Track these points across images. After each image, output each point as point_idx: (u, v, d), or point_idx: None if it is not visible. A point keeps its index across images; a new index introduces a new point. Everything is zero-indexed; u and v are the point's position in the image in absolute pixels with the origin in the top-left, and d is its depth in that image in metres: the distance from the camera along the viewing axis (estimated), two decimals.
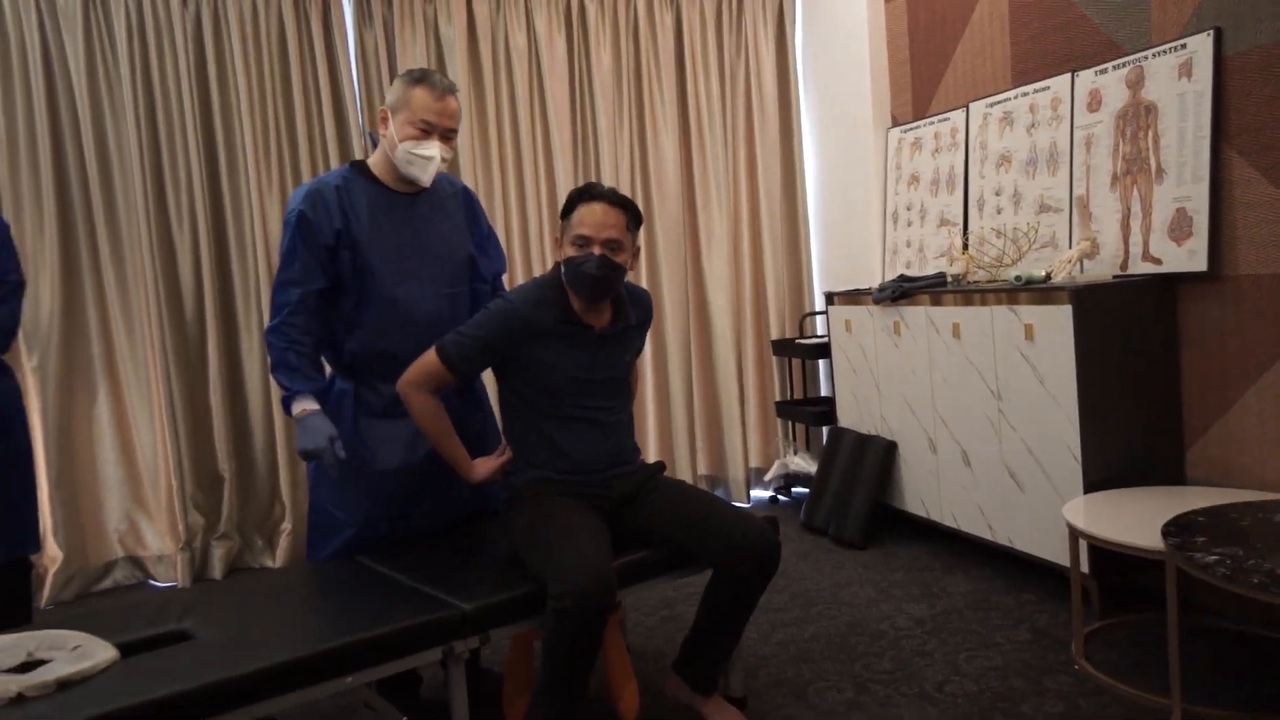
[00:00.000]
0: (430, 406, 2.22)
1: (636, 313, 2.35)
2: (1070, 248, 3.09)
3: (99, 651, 1.68)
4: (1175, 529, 2.03)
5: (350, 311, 2.29)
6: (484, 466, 2.30)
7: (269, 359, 2.30)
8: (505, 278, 2.67)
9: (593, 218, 2.16)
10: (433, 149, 2.25)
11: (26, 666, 1.65)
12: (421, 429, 2.25)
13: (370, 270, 2.26)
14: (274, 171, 3.85)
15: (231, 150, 3.79)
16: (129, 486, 3.75)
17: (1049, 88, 3.20)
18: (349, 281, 2.27)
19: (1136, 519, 2.33)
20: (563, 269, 2.21)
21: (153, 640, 1.85)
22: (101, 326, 3.70)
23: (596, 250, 2.15)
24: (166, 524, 3.77)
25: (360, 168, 2.34)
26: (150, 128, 3.69)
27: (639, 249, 2.31)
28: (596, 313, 2.26)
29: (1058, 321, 2.72)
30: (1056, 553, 2.82)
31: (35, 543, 2.57)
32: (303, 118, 3.86)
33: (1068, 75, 3.13)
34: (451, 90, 2.27)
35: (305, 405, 2.20)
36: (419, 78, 2.25)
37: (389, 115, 2.27)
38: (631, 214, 2.23)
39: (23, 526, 2.53)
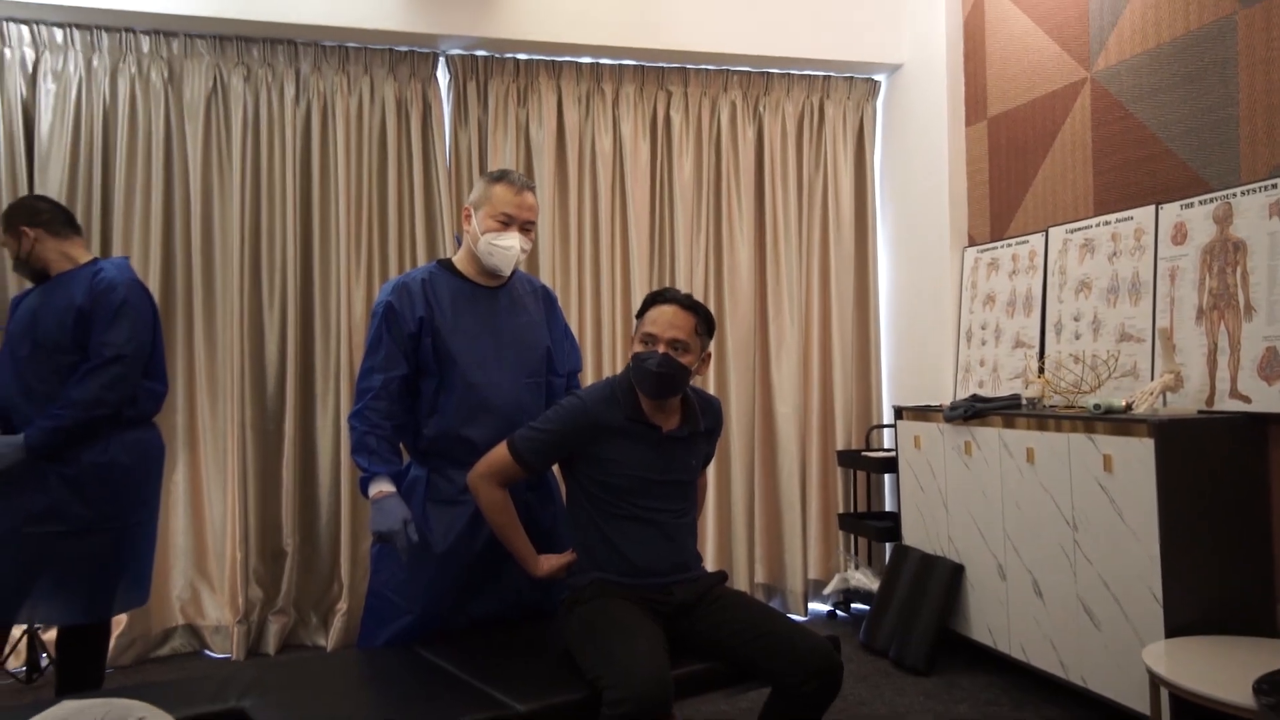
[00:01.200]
0: (498, 498, 2.26)
1: (706, 420, 2.36)
2: (1152, 379, 3.02)
3: None
4: (1268, 686, 1.92)
5: (431, 396, 2.36)
6: (548, 563, 2.31)
7: (350, 442, 2.38)
8: (579, 376, 2.73)
9: (662, 318, 2.24)
10: (512, 240, 2.37)
11: None
12: (489, 520, 2.28)
13: (452, 356, 2.35)
14: (363, 261, 4.01)
15: (326, 239, 3.98)
16: (195, 556, 3.83)
17: (1132, 218, 3.20)
18: (431, 367, 2.35)
19: (1224, 670, 2.21)
20: (631, 366, 2.27)
21: (212, 717, 1.86)
22: (188, 398, 3.85)
23: (661, 348, 2.21)
24: (227, 595, 3.83)
25: (446, 264, 2.47)
26: (254, 213, 3.91)
27: (709, 355, 2.35)
28: (665, 414, 2.29)
29: (1139, 454, 2.65)
30: (1133, 698, 2.67)
31: (146, 596, 2.79)
32: (394, 212, 4.04)
33: (1152, 207, 3.12)
34: (529, 186, 2.43)
35: (382, 487, 2.25)
36: (499, 176, 2.41)
37: (471, 212, 2.42)
38: (702, 318, 2.28)
39: (140, 581, 2.73)
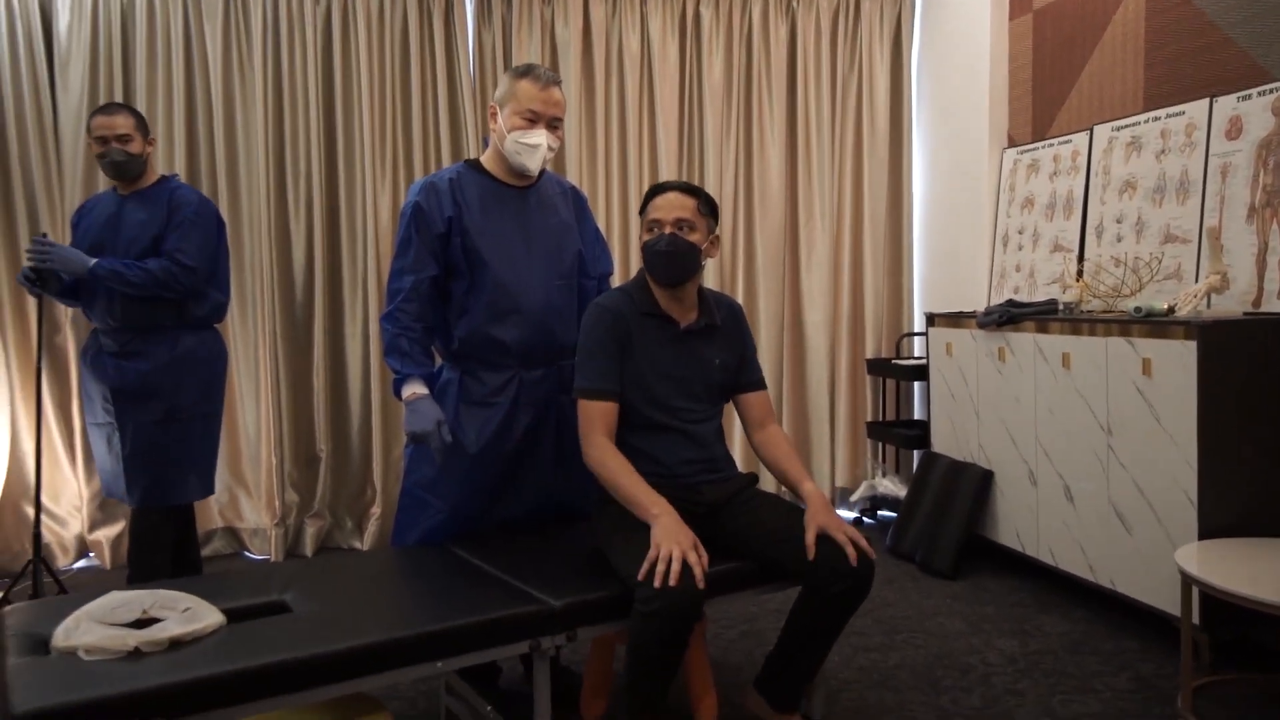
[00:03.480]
0: (624, 463, 2.12)
1: (721, 313, 2.33)
2: (1197, 281, 2.94)
3: (207, 615, 1.75)
4: None
5: (461, 297, 2.34)
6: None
7: (382, 344, 2.38)
8: (610, 280, 2.69)
9: (665, 203, 2.22)
10: (539, 137, 2.31)
11: (141, 623, 1.72)
12: (623, 484, 2.10)
13: (481, 256, 2.32)
14: (389, 163, 3.96)
15: (350, 142, 3.92)
16: (231, 461, 3.90)
17: (1184, 112, 3.06)
18: (460, 268, 2.33)
19: (1256, 571, 2.20)
20: (642, 257, 2.25)
21: (255, 609, 1.91)
22: None
23: (667, 229, 2.19)
24: (264, 499, 3.91)
25: (474, 164, 2.41)
26: (277, 116, 3.85)
27: (717, 237, 2.32)
28: (681, 308, 2.27)
29: (1180, 357, 2.59)
30: (1164, 600, 2.68)
31: (212, 486, 3.02)
32: (419, 112, 3.96)
33: (1205, 100, 2.98)
34: (555, 81, 2.33)
35: (415, 389, 2.26)
36: (524, 71, 2.32)
37: (497, 109, 2.34)
38: (704, 199, 2.26)
39: (207, 472, 2.99)
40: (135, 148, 2.83)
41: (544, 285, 2.38)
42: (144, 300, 2.78)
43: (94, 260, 2.74)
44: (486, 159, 2.42)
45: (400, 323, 2.28)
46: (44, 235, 2.94)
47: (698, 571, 1.87)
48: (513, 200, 2.39)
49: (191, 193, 2.91)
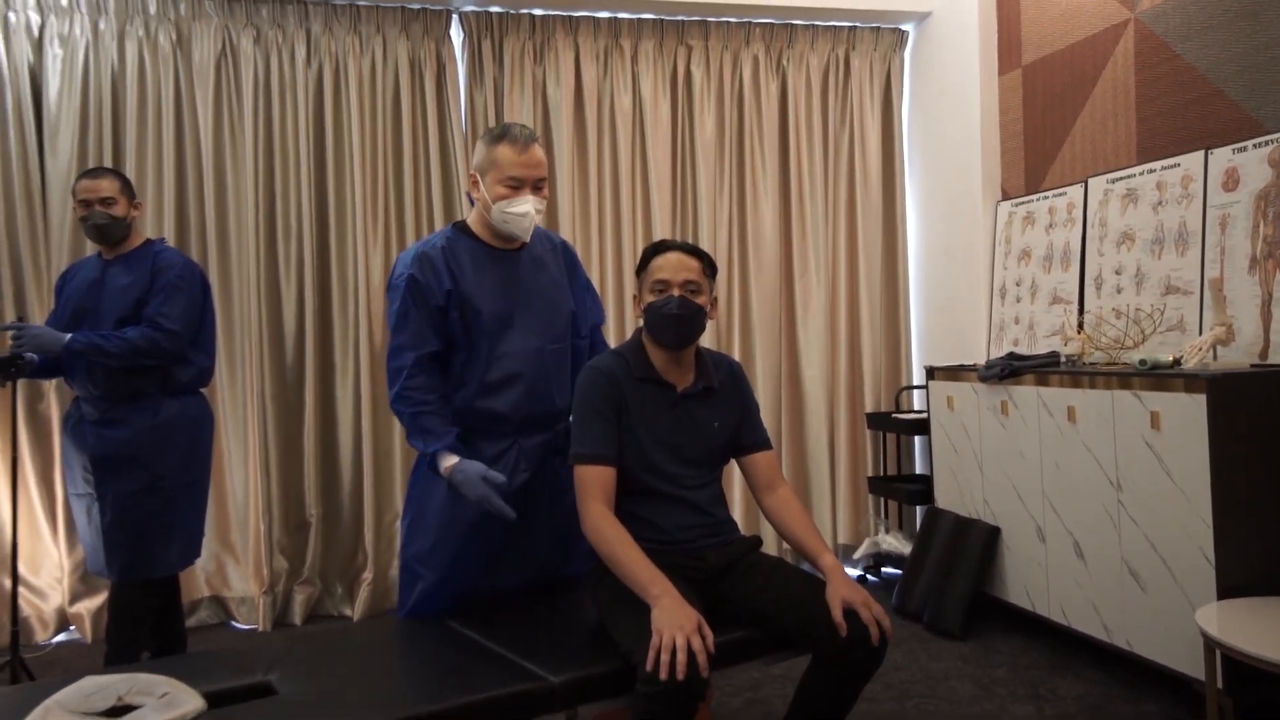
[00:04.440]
0: (622, 533, 2.02)
1: (720, 374, 2.27)
2: (1199, 333, 2.91)
3: (186, 700, 1.65)
4: None
5: (459, 369, 2.27)
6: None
7: (404, 428, 2.28)
8: (602, 330, 2.64)
9: (670, 263, 2.16)
10: (526, 205, 2.24)
11: (116, 711, 1.62)
12: (621, 557, 2.00)
13: (480, 326, 2.25)
14: (380, 225, 3.93)
15: (341, 204, 3.90)
16: (218, 528, 3.80)
17: (1179, 164, 3.06)
18: (459, 340, 2.26)
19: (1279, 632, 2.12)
20: (643, 319, 2.19)
21: (238, 692, 1.82)
22: None
23: (677, 292, 2.13)
24: (252, 567, 3.80)
25: (463, 228, 2.35)
26: (268, 179, 3.83)
27: (716, 299, 2.27)
28: (679, 371, 2.21)
29: (1189, 411, 2.54)
30: (1183, 661, 2.59)
31: (198, 552, 2.93)
32: (410, 175, 3.95)
33: (1200, 152, 2.98)
34: (532, 139, 2.25)
35: (449, 461, 2.18)
36: (499, 135, 2.24)
37: (478, 178, 2.27)
38: (707, 261, 2.21)
39: (195, 538, 2.90)
40: (119, 211, 2.78)
41: (540, 351, 2.33)
42: (125, 368, 2.71)
43: (69, 336, 2.65)
44: (474, 221, 2.34)
45: (413, 400, 2.20)
46: (19, 319, 2.92)
47: (701, 659, 1.78)
48: (505, 264, 2.33)
49: (176, 256, 2.85)
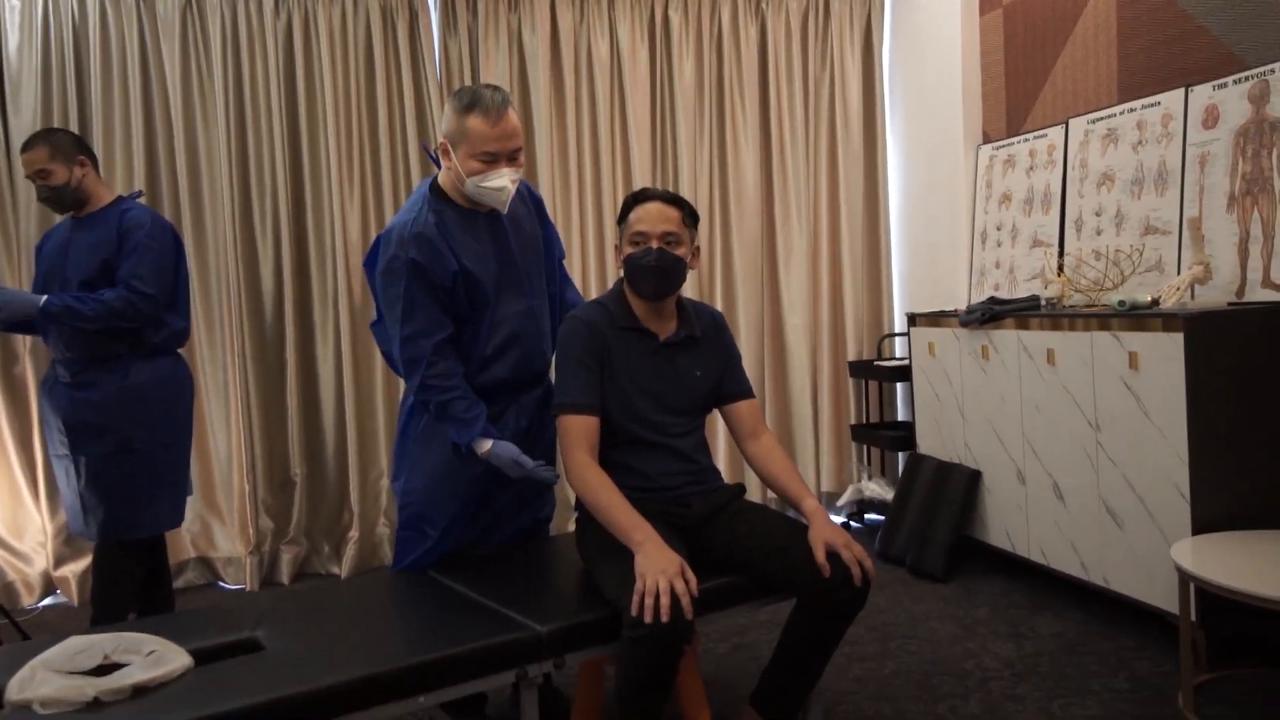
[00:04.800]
0: (606, 481, 2.03)
1: (702, 323, 2.27)
2: (1179, 272, 2.91)
3: (173, 658, 1.66)
4: None
5: (467, 342, 2.23)
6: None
7: (432, 416, 2.21)
8: (581, 288, 2.62)
9: (650, 214, 2.14)
10: (502, 179, 2.12)
11: (102, 669, 1.63)
12: (605, 504, 2.02)
13: (481, 296, 2.20)
14: (355, 178, 3.87)
15: (315, 159, 3.83)
16: (202, 489, 3.79)
17: (1159, 103, 3.04)
18: (465, 314, 2.21)
19: (1254, 565, 2.16)
20: (623, 270, 2.18)
21: (225, 648, 1.82)
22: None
23: (655, 244, 2.12)
24: (238, 527, 3.80)
25: (440, 194, 2.22)
26: (239, 133, 3.75)
27: (698, 248, 2.25)
28: (660, 320, 2.20)
29: (1167, 350, 2.56)
30: (1159, 596, 2.64)
31: (180, 517, 2.90)
32: (385, 125, 3.88)
33: (1181, 90, 2.96)
34: (505, 105, 2.09)
35: (484, 445, 2.16)
36: (469, 104, 2.08)
37: (449, 147, 2.13)
38: (687, 211, 2.19)
39: (176, 501, 2.86)
40: (58, 179, 2.70)
41: (530, 309, 2.30)
42: (101, 330, 2.67)
43: (44, 298, 2.61)
44: (447, 186, 2.22)
45: (438, 389, 2.14)
46: None
47: (685, 601, 1.79)
48: (492, 227, 2.25)
49: (144, 213, 2.76)
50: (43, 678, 1.56)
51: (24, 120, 3.49)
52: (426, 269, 2.12)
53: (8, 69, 3.48)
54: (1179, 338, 2.52)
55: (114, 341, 2.70)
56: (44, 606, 3.63)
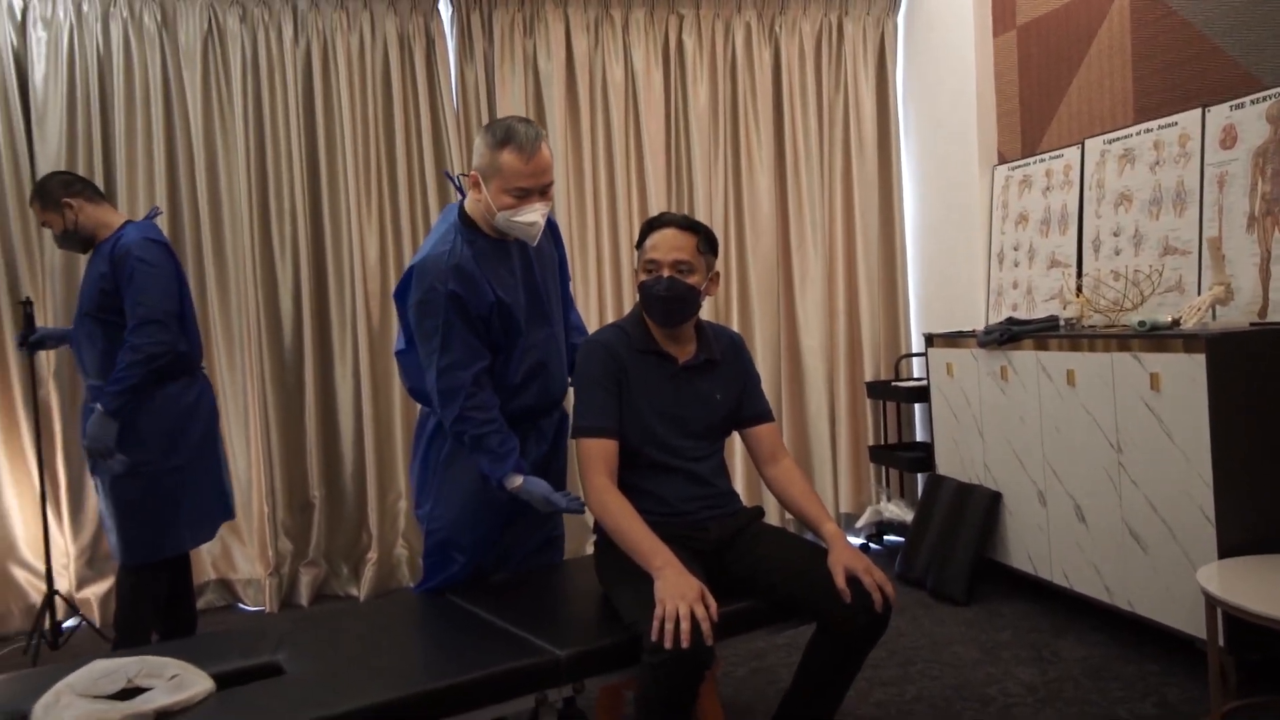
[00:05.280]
0: (626, 506, 2.04)
1: (720, 346, 2.27)
2: (1199, 293, 2.90)
3: (196, 682, 1.66)
4: None
5: (498, 371, 2.23)
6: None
7: (467, 447, 2.19)
8: (596, 317, 2.63)
9: (663, 242, 2.14)
10: (534, 214, 2.11)
11: (126, 693, 1.63)
12: (629, 534, 2.00)
13: (515, 326, 2.21)
14: (374, 205, 3.91)
15: (334, 184, 3.87)
16: None
17: (1176, 123, 3.04)
18: (500, 344, 2.21)
19: None
20: (639, 296, 2.18)
21: (246, 672, 1.82)
22: (205, 352, 3.78)
23: (665, 272, 2.12)
24: (257, 548, 3.81)
25: (469, 223, 2.21)
26: (259, 159, 3.80)
27: (717, 274, 2.24)
28: (678, 344, 2.21)
29: (1189, 371, 2.54)
30: (1185, 621, 2.61)
31: (204, 537, 2.94)
32: (403, 150, 3.92)
33: (1198, 110, 2.96)
34: (539, 140, 2.08)
35: (515, 481, 2.14)
36: (503, 138, 2.06)
37: (480, 180, 2.12)
38: (703, 236, 2.18)
39: (196, 522, 2.86)
40: (57, 226, 2.78)
41: (551, 335, 2.31)
42: (151, 370, 2.67)
43: (98, 406, 2.64)
44: (478, 215, 2.20)
45: (476, 420, 2.11)
46: (27, 300, 3.14)
47: (705, 627, 1.78)
48: (520, 256, 2.26)
49: (130, 239, 2.72)
50: (67, 701, 1.57)
51: (49, 148, 3.55)
52: (465, 300, 2.10)
53: (34, 98, 3.55)
54: (1201, 359, 2.50)
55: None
56: (66, 628, 3.64)
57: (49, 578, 3.29)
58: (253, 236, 3.76)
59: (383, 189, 3.93)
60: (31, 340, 3.05)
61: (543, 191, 2.12)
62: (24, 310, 3.15)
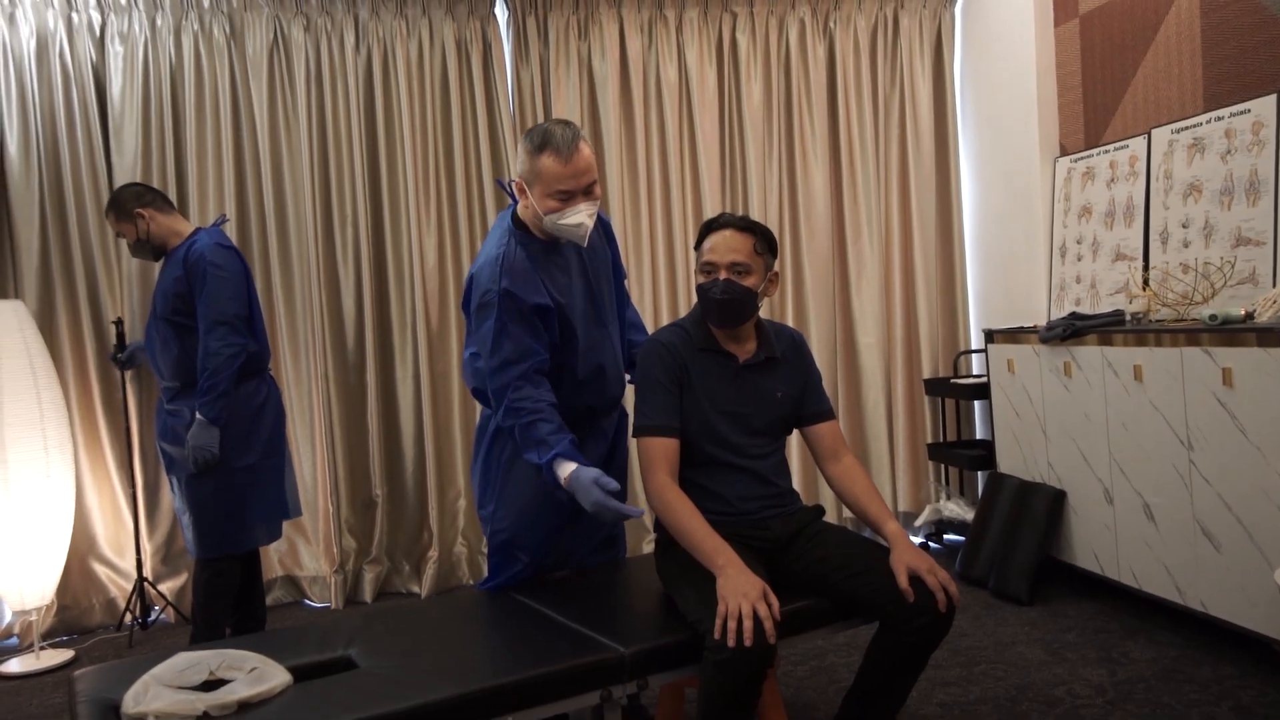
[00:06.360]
0: (688, 504, 2.05)
1: (781, 344, 2.26)
2: (1274, 285, 2.81)
3: (274, 675, 1.72)
4: None
5: (556, 372, 2.23)
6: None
7: (518, 443, 2.18)
8: (652, 318, 2.64)
9: (720, 244, 2.14)
10: (579, 215, 2.11)
11: (208, 685, 1.70)
12: (687, 527, 2.02)
13: (572, 328, 2.22)
14: (432, 208, 3.98)
15: (394, 188, 3.95)
16: None
17: (1249, 110, 2.95)
18: (557, 344, 2.22)
19: None
20: (698, 298, 2.19)
21: (320, 666, 1.88)
22: (272, 354, 3.89)
23: (722, 275, 2.12)
24: (322, 546, 3.91)
25: (523, 227, 2.23)
26: (323, 167, 3.89)
27: (776, 275, 2.23)
28: (739, 343, 2.21)
29: (1265, 366, 2.47)
30: (1261, 622, 2.54)
31: (272, 535, 3.08)
32: (461, 153, 3.98)
33: (1272, 96, 2.87)
34: (577, 140, 2.08)
35: (565, 470, 2.05)
36: (541, 143, 2.07)
37: (525, 186, 2.13)
38: (760, 236, 2.17)
39: (267, 518, 3.01)
40: (130, 236, 2.96)
41: (609, 335, 2.33)
42: (183, 357, 2.86)
43: (200, 418, 2.78)
44: (529, 219, 2.22)
45: (523, 410, 2.09)
46: (119, 320, 3.49)
47: (768, 625, 1.79)
48: (572, 258, 2.27)
49: (202, 245, 2.85)
50: (155, 692, 1.63)
51: (126, 160, 3.68)
52: (518, 296, 2.11)
53: (111, 112, 3.68)
54: (1277, 353, 2.43)
55: (196, 367, 2.86)
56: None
57: (139, 566, 3.58)
58: (316, 241, 3.85)
59: (441, 193, 3.99)
60: (122, 357, 3.31)
61: (586, 191, 2.12)
62: (116, 329, 3.40)
